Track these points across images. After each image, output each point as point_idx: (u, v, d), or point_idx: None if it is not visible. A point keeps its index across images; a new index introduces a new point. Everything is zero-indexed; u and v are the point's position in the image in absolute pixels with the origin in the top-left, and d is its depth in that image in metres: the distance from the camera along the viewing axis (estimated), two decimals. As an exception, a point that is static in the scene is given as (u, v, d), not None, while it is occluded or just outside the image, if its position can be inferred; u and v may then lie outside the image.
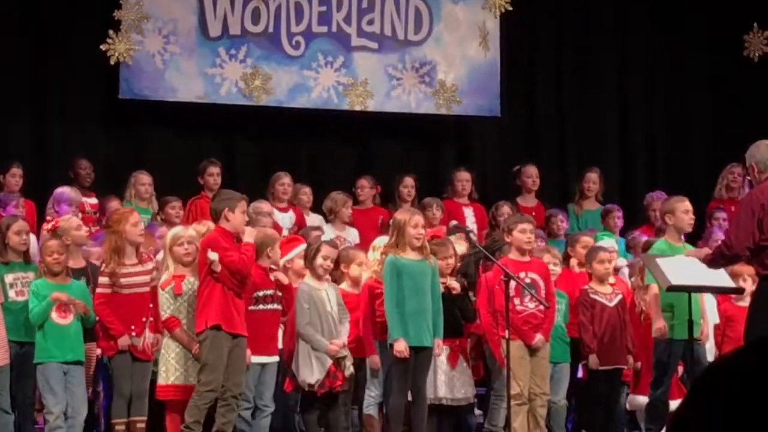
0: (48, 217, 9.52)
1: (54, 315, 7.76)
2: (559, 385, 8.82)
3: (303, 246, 8.77)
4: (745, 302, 9.08)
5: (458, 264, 8.74)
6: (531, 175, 11.75)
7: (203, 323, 7.54)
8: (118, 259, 7.82)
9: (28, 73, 11.55)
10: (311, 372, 7.94)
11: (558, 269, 9.05)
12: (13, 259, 8.15)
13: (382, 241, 8.61)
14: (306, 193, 11.10)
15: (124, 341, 7.79)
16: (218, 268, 7.49)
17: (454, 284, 8.34)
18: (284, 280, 8.13)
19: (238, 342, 7.60)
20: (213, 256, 7.52)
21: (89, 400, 8.24)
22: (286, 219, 10.67)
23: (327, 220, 10.78)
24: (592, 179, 11.77)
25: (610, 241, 10.07)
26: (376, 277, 8.37)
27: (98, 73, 11.53)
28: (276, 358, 8.16)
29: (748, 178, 11.49)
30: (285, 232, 10.10)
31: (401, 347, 7.83)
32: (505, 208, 10.77)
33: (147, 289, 7.95)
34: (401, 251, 8.01)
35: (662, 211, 8.75)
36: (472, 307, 8.51)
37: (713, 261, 7.47)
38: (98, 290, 7.86)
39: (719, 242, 9.61)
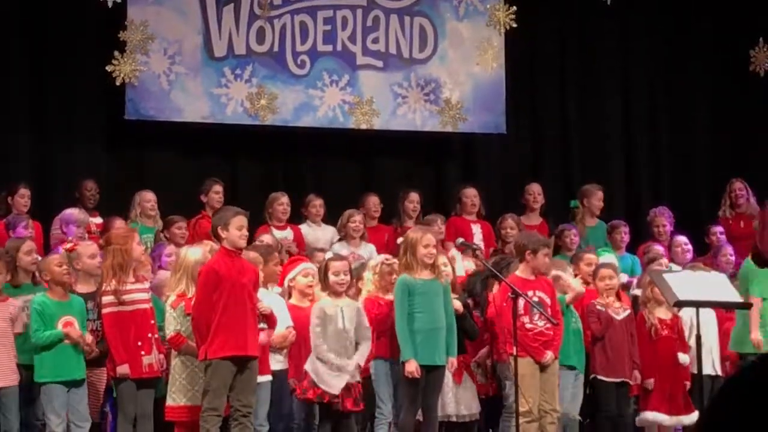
0: (55, 237, 9.57)
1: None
2: (575, 399, 8.82)
3: (305, 265, 8.76)
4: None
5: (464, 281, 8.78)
6: (532, 192, 11.71)
7: (203, 353, 7.46)
8: (123, 276, 7.84)
9: (34, 94, 11.57)
10: (331, 385, 7.93)
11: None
12: (23, 281, 8.17)
13: (375, 261, 8.72)
14: (316, 206, 11.11)
15: (123, 369, 7.78)
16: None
17: (457, 305, 8.32)
18: (265, 310, 7.91)
19: (247, 363, 7.53)
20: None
21: (97, 423, 8.24)
22: (286, 237, 10.65)
23: (340, 237, 10.79)
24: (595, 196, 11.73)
25: (610, 257, 10.07)
26: (374, 294, 8.43)
27: (104, 94, 11.56)
28: (268, 377, 8.09)
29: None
30: (291, 249, 10.13)
31: (412, 368, 7.82)
32: (509, 221, 10.77)
33: (148, 306, 7.97)
34: (413, 270, 8.00)
35: None
36: (475, 326, 8.50)
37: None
38: (106, 311, 7.85)
39: (728, 256, 9.67)
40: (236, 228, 7.54)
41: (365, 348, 8.08)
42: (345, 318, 8.03)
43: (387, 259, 8.85)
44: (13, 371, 7.89)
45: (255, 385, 7.70)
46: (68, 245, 8.41)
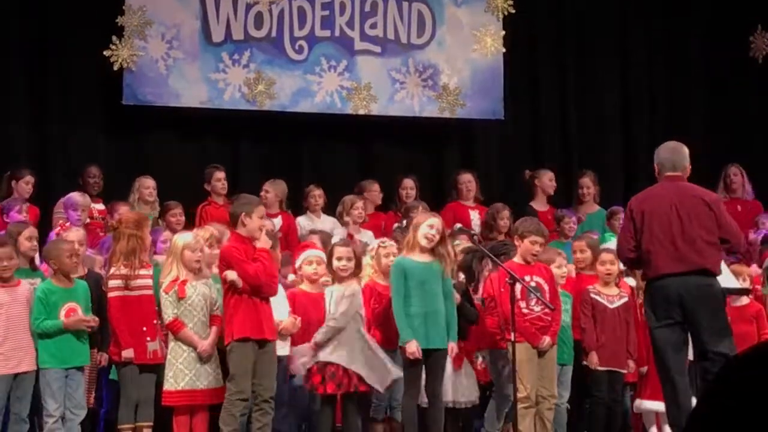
0: (56, 221, 9.59)
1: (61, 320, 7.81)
2: (564, 388, 8.81)
3: (308, 252, 8.75)
4: (741, 302, 9.11)
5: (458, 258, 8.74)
6: (552, 178, 11.71)
7: (230, 335, 7.51)
8: (135, 261, 7.86)
9: (32, 79, 11.56)
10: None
11: (565, 270, 9.02)
12: (21, 265, 8.17)
13: (373, 245, 8.75)
14: (315, 196, 11.09)
15: (128, 353, 7.80)
16: (241, 283, 7.48)
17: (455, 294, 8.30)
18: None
19: (266, 347, 7.58)
20: (231, 275, 7.49)
21: (93, 408, 8.25)
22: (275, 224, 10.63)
23: (342, 224, 10.77)
24: (585, 183, 11.74)
25: (614, 243, 10.04)
26: (372, 280, 8.46)
27: (102, 79, 11.55)
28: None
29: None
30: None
31: (413, 348, 7.79)
32: (506, 212, 10.75)
33: (151, 292, 7.99)
34: (411, 252, 8.01)
35: None
36: (474, 310, 8.49)
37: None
38: (112, 294, 7.86)
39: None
40: (258, 217, 7.63)
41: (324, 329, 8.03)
42: (332, 301, 8.01)
43: (383, 242, 8.85)
44: (33, 356, 7.87)
45: (275, 369, 7.74)
46: (56, 230, 8.43)
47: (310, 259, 8.58)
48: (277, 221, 10.70)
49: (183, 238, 8.13)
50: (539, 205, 11.50)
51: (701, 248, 7.14)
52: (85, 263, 8.58)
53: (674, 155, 7.45)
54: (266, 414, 7.61)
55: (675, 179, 7.37)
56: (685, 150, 7.51)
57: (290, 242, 10.35)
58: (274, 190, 10.89)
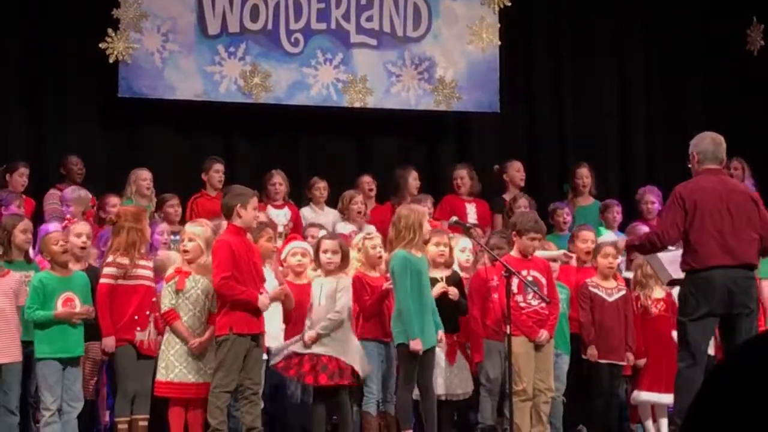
0: (51, 212, 9.59)
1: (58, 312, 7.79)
2: (560, 381, 8.80)
3: (293, 244, 8.78)
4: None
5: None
6: (520, 169, 11.69)
7: (227, 327, 7.48)
8: (134, 253, 7.85)
9: (27, 71, 11.54)
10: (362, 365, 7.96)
11: (555, 265, 9.01)
12: (16, 258, 8.16)
13: (357, 239, 8.75)
14: (319, 188, 11.09)
15: (109, 342, 7.79)
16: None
17: (454, 291, 8.29)
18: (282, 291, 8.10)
19: (258, 341, 7.60)
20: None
21: (91, 399, 8.24)
22: (281, 216, 10.63)
23: (343, 219, 10.77)
24: (584, 174, 11.71)
25: (611, 236, 10.05)
26: (361, 272, 8.45)
27: (97, 72, 11.53)
28: (263, 356, 8.10)
29: (747, 172, 11.63)
30: (280, 228, 10.09)
31: (420, 346, 7.79)
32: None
33: (150, 283, 7.98)
34: (413, 247, 7.97)
35: None
36: (464, 301, 8.48)
37: (641, 248, 7.85)
38: (103, 281, 7.85)
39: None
40: (253, 208, 7.67)
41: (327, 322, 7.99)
42: (323, 294, 8.02)
43: (368, 235, 8.85)
44: (17, 347, 7.86)
45: (262, 362, 7.77)
46: (63, 223, 8.44)
47: (294, 251, 8.62)
48: (285, 212, 10.73)
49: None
50: (511, 197, 11.47)
51: (748, 243, 7.32)
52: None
53: (716, 147, 7.55)
54: (255, 405, 7.64)
55: (717, 172, 7.50)
56: (724, 142, 7.60)
57: (298, 233, 10.36)
58: (285, 181, 10.91)
